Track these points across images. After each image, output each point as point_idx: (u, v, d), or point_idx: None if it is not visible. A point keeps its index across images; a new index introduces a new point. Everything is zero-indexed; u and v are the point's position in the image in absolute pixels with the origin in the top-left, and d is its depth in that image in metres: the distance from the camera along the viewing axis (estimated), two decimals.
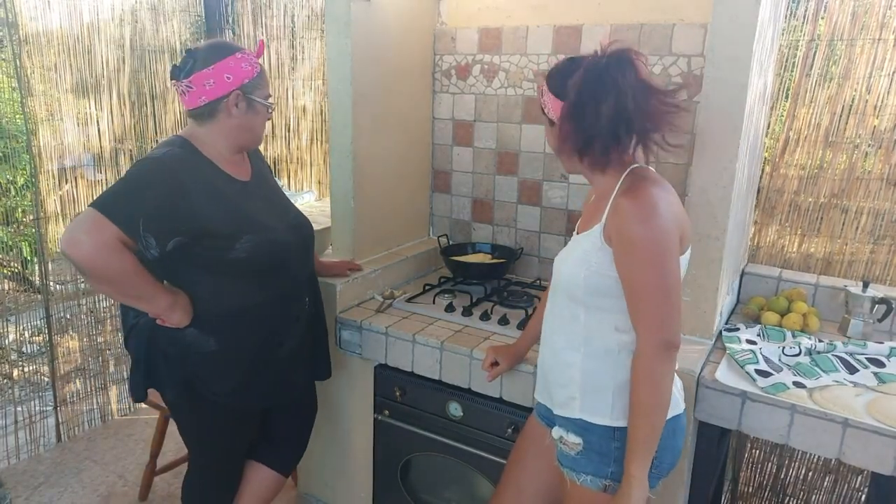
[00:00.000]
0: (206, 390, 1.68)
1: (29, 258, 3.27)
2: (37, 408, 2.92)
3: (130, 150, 3.00)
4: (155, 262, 1.54)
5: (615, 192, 1.30)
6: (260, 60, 1.67)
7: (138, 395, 1.74)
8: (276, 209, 1.76)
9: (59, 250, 1.51)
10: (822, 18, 2.07)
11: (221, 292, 1.63)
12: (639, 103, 1.21)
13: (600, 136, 1.24)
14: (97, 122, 2.87)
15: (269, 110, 1.70)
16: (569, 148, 1.30)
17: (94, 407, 3.04)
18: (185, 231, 1.52)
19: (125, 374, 3.12)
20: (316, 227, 2.37)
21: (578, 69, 1.25)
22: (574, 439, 1.37)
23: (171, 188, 1.51)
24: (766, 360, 1.69)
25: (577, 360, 1.36)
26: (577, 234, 1.41)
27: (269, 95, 1.70)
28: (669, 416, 1.32)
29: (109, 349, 3.06)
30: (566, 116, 1.27)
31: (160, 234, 1.49)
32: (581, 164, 1.34)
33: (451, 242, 2.57)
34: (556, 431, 1.41)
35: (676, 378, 1.40)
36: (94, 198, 1.48)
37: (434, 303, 2.17)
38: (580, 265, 1.33)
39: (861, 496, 2.28)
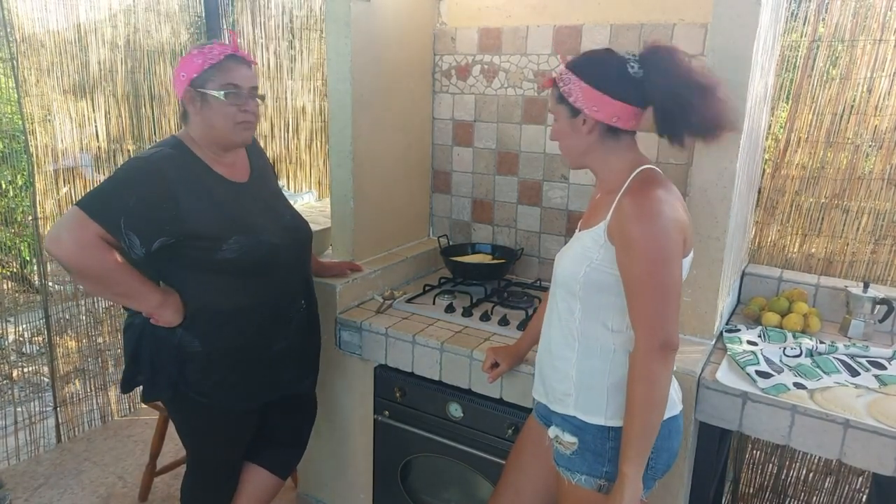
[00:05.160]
0: (189, 390, 1.67)
1: (28, 259, 3.28)
2: (36, 408, 2.92)
3: (129, 151, 2.99)
4: (143, 261, 1.54)
5: (622, 191, 1.30)
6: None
7: (125, 388, 1.73)
8: (270, 211, 1.74)
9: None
10: (824, 20, 2.07)
11: (209, 292, 1.62)
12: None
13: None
14: (94, 122, 2.86)
15: (227, 99, 1.56)
16: (594, 137, 1.32)
17: (94, 408, 3.03)
18: (170, 232, 1.52)
19: None
20: (316, 227, 2.36)
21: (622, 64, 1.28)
22: (569, 439, 1.37)
23: (155, 188, 1.51)
24: (768, 360, 1.69)
25: (573, 356, 1.37)
26: (580, 230, 1.42)
27: (230, 83, 1.56)
28: (666, 416, 1.33)
29: (109, 350, 3.06)
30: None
31: (143, 234, 1.49)
32: (597, 152, 1.34)
33: (451, 243, 2.56)
34: (553, 431, 1.42)
35: (673, 379, 1.40)
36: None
37: (434, 303, 2.16)
38: (581, 261, 1.34)
39: (862, 497, 2.27)
